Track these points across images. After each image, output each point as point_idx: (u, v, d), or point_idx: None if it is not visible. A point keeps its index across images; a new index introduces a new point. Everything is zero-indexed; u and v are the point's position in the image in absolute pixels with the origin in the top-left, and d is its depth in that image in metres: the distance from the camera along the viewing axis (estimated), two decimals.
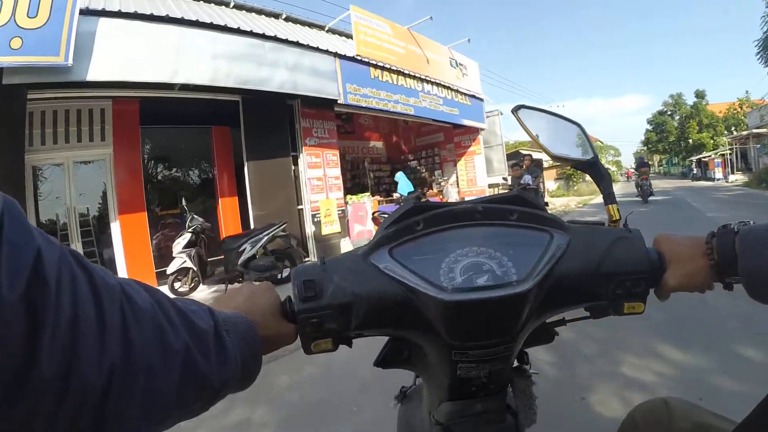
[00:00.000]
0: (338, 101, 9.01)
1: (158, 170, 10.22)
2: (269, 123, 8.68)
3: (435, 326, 0.60)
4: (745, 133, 33.64)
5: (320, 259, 0.65)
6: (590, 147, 0.90)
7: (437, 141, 15.07)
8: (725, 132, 44.88)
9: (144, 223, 7.88)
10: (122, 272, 7.29)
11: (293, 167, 9.22)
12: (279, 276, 6.97)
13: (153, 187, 9.89)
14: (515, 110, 0.90)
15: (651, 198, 17.65)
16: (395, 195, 11.17)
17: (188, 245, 7.07)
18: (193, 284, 7.05)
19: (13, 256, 0.30)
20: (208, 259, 7.78)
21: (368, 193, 11.80)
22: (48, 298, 0.32)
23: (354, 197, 10.90)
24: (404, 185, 11.06)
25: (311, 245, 9.25)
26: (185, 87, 7.46)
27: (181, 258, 6.93)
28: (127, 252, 7.59)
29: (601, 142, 68.58)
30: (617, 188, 35.85)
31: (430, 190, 13.69)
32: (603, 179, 0.89)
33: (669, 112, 54.99)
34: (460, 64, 13.65)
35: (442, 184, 14.30)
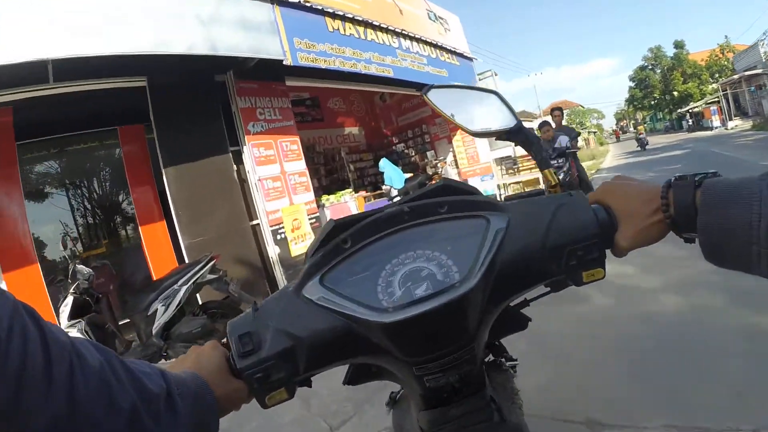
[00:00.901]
0: (284, 62, 6.22)
1: (50, 199, 7.36)
2: (192, 110, 6.10)
3: (386, 347, 0.57)
4: (736, 77, 32.71)
5: (253, 306, 0.62)
6: (512, 113, 0.85)
7: (424, 116, 12.35)
8: (710, 79, 43.78)
9: (37, 278, 5.52)
10: None
11: (235, 167, 6.51)
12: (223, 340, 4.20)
13: (51, 225, 7.23)
14: (425, 92, 0.87)
15: (648, 147, 23.79)
16: (384, 187, 8.57)
17: (76, 313, 4.38)
18: None
19: None
20: (120, 323, 5.04)
21: (350, 190, 9.25)
22: None
23: (332, 197, 8.41)
24: (392, 174, 8.57)
25: (279, 274, 6.50)
26: (61, 76, 5.04)
27: (71, 333, 4.23)
28: None
29: (582, 107, 67.18)
30: (612, 151, 34.70)
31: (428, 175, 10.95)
32: (532, 145, 0.85)
33: (650, 67, 53.20)
34: (439, 17, 11.07)
35: (439, 165, 11.59)
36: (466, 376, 0.63)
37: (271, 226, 6.53)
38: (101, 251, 7.53)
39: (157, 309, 4.11)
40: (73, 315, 4.32)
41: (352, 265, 0.61)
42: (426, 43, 9.99)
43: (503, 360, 0.82)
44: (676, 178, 0.57)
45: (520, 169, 12.24)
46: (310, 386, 0.64)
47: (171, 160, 5.89)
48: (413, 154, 12.71)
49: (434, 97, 0.86)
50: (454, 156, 11.89)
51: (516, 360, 0.89)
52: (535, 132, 7.70)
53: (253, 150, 6.51)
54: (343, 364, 0.65)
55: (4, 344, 0.34)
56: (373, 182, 11.62)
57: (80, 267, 4.52)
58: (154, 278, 5.89)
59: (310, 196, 7.20)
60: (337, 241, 0.62)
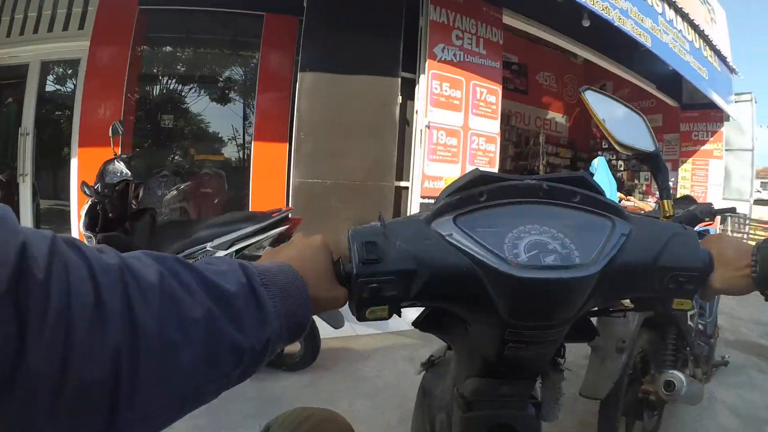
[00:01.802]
0: None
1: (160, 76, 6.26)
2: (362, 10, 4.34)
3: (495, 302, 0.59)
4: None
5: (381, 221, 0.62)
6: (652, 139, 0.94)
7: (651, 126, 8.94)
8: None
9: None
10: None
11: (400, 99, 4.48)
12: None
13: (153, 105, 6.27)
14: (582, 91, 0.92)
15: None
16: None
17: (91, 224, 2.96)
18: None
19: None
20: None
21: None
22: (34, 290, 0.31)
23: None
24: (605, 182, 6.21)
25: None
26: None
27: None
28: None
29: None
30: None
31: (630, 200, 8.07)
32: (661, 172, 0.97)
33: None
34: (707, 1, 8.23)
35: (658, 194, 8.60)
36: (538, 356, 0.67)
37: (423, 197, 4.55)
38: (219, 158, 6.48)
39: None
40: (94, 226, 2.93)
41: (483, 218, 0.63)
42: (691, 24, 7.22)
43: (561, 360, 0.79)
44: (765, 240, 0.66)
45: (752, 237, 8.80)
46: (400, 315, 0.63)
47: (313, 64, 4.21)
48: (622, 168, 9.91)
49: (590, 98, 0.90)
50: (675, 188, 8.90)
51: (570, 369, 0.86)
52: None
53: (432, 83, 4.52)
54: (444, 306, 0.66)
55: (45, 285, 0.31)
56: None
57: (116, 165, 3.05)
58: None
59: (494, 173, 4.89)
60: (475, 192, 0.63)
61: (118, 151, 3.24)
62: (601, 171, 6.17)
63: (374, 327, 3.61)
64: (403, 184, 4.73)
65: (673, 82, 7.95)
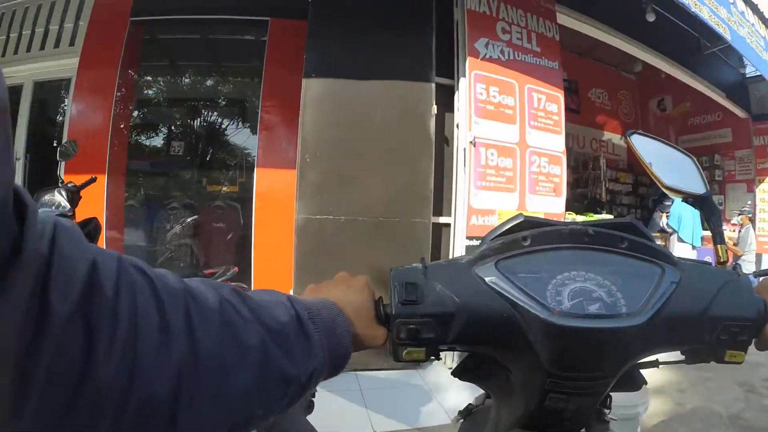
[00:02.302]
0: None
1: (157, 102, 6.04)
2: (380, 7, 3.65)
3: (535, 350, 0.57)
4: None
5: (422, 263, 0.62)
6: (703, 181, 0.91)
7: (719, 143, 8.46)
8: None
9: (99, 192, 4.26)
10: None
11: (435, 110, 3.62)
12: None
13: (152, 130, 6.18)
14: (628, 135, 0.93)
15: None
16: (662, 223, 5.85)
17: None
18: None
19: (66, 269, 0.31)
20: None
21: (605, 214, 6.54)
22: (104, 307, 0.33)
23: (580, 219, 5.40)
24: (685, 214, 5.63)
25: None
26: None
27: None
28: None
29: None
30: None
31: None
32: (713, 215, 0.92)
33: None
34: None
35: (739, 220, 7.49)
36: (582, 409, 0.63)
37: (469, 237, 3.65)
38: (233, 189, 6.07)
39: None
40: None
41: (526, 263, 0.61)
42: (761, 18, 6.43)
43: (607, 411, 0.74)
44: None
45: None
46: (439, 359, 0.62)
47: (321, 68, 3.56)
48: None
49: (637, 142, 0.90)
50: (754, 212, 7.89)
51: (615, 419, 0.80)
52: None
53: (476, 87, 3.65)
54: (484, 351, 0.64)
55: (111, 303, 0.33)
56: (625, 215, 8.45)
57: (54, 197, 2.58)
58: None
59: (560, 203, 4.03)
60: (519, 237, 0.62)
61: (67, 178, 2.76)
62: (685, 215, 5.60)
63: (399, 419, 2.80)
64: (443, 220, 3.84)
65: (739, 88, 7.28)
